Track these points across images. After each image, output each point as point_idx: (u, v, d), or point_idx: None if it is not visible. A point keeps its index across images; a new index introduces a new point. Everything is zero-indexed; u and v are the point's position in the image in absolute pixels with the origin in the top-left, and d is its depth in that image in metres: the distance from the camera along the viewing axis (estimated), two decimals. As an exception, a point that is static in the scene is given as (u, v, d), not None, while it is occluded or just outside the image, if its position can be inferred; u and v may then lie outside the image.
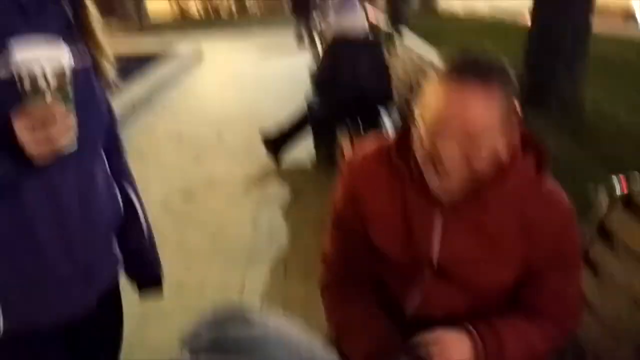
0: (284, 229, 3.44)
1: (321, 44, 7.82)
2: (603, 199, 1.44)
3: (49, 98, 0.90)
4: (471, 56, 1.00)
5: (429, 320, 1.12)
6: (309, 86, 6.87)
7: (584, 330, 1.36)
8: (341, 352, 1.09)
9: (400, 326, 1.17)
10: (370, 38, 4.12)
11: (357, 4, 4.11)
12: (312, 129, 4.32)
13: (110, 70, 1.13)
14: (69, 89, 0.93)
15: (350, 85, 3.84)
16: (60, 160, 0.99)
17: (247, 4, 16.53)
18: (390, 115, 4.04)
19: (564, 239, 1.08)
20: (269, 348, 0.60)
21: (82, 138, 0.99)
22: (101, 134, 1.15)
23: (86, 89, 1.06)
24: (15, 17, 0.95)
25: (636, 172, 1.43)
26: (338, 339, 1.20)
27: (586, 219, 1.48)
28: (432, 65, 0.90)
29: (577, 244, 1.15)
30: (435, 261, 1.10)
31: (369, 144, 1.20)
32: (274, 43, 11.11)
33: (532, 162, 1.04)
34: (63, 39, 1.01)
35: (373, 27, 5.12)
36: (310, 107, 4.25)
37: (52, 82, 0.90)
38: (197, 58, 9.79)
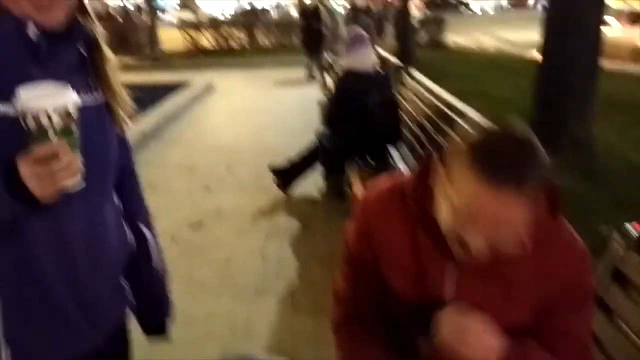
0: (292, 262, 3.43)
1: (331, 78, 7.94)
2: (617, 243, 1.44)
3: (53, 137, 0.90)
4: (504, 146, 0.95)
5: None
6: (318, 119, 6.97)
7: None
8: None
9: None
10: (380, 74, 4.18)
11: (368, 40, 4.18)
12: (322, 162, 4.35)
13: (123, 109, 1.13)
14: (75, 128, 0.93)
15: (360, 120, 3.89)
16: (68, 200, 0.98)
17: (259, 37, 16.81)
18: (398, 150, 4.06)
19: (578, 282, 1.08)
20: None
21: (91, 176, 0.98)
22: (112, 172, 1.14)
23: (97, 127, 1.06)
24: (29, 62, 0.96)
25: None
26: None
27: (600, 260, 1.48)
28: (458, 137, 0.87)
29: (591, 286, 1.14)
30: (448, 304, 1.10)
31: (383, 182, 1.21)
32: (285, 76, 11.27)
33: (546, 205, 1.03)
34: (75, 77, 1.02)
35: (382, 63, 5.20)
36: (319, 140, 4.29)
37: (57, 121, 0.90)
38: (209, 90, 9.93)
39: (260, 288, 3.13)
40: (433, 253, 1.09)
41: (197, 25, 17.34)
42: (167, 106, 7.87)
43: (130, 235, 1.21)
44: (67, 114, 0.91)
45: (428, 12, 22.95)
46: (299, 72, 11.15)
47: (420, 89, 4.25)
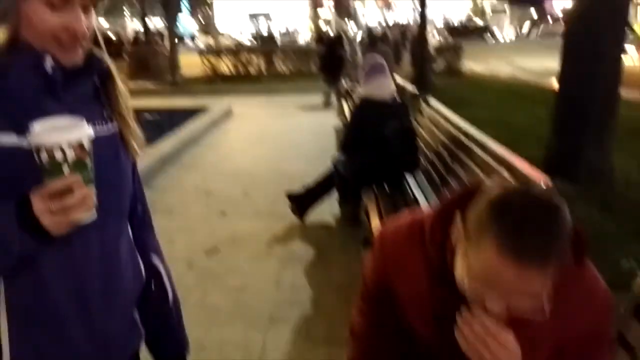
0: (307, 290, 3.41)
1: (348, 104, 8.00)
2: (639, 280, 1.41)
3: (66, 170, 0.89)
4: (528, 216, 0.89)
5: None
6: (334, 145, 7.00)
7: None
8: None
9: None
10: (397, 102, 4.20)
11: (386, 69, 4.21)
12: (337, 188, 4.36)
13: (135, 138, 1.13)
14: (89, 160, 0.92)
15: (376, 147, 3.90)
16: (84, 231, 0.97)
17: (276, 63, 17.03)
18: (415, 178, 4.05)
19: (598, 330, 1.06)
20: None
21: (106, 207, 0.98)
22: (126, 204, 1.14)
23: (111, 158, 1.06)
24: (45, 95, 0.97)
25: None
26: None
27: (620, 295, 1.45)
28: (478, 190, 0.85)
29: (611, 334, 1.12)
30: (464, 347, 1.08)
31: (402, 219, 1.20)
32: (302, 102, 11.37)
33: (570, 251, 0.98)
34: (89, 108, 1.03)
35: (400, 90, 5.23)
36: (336, 166, 4.30)
37: (71, 156, 0.89)
38: (227, 114, 10.05)
39: (275, 316, 3.11)
40: (450, 299, 1.06)
41: (217, 52, 17.64)
42: (186, 131, 7.96)
43: (142, 267, 1.20)
44: (82, 148, 0.91)
45: (450, 39, 23.11)
46: (316, 98, 11.25)
47: (437, 116, 4.26)
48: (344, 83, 10.43)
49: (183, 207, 5.06)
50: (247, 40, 31.68)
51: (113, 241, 1.09)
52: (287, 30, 39.82)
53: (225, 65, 16.62)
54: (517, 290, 0.90)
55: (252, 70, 16.62)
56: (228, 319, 3.09)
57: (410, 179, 4.07)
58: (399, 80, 6.92)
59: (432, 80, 11.64)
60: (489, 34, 41.44)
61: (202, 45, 29.09)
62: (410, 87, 6.20)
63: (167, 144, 7.02)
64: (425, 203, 3.60)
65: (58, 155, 0.89)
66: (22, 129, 0.92)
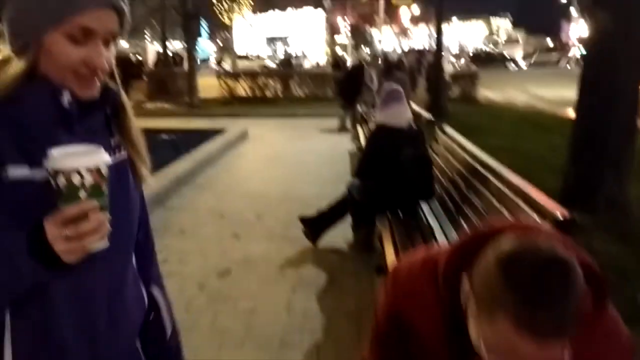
0: (318, 316, 3.38)
1: (363, 129, 8.03)
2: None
3: (83, 195, 0.88)
4: (541, 281, 0.85)
5: None
6: (348, 170, 7.02)
7: None
8: None
9: None
10: (413, 129, 4.21)
11: (403, 96, 4.24)
12: (351, 213, 4.35)
13: (144, 166, 1.13)
14: (105, 187, 0.91)
15: (391, 174, 3.90)
16: (92, 261, 0.95)
17: (292, 86, 17.21)
18: (430, 206, 4.03)
19: None
20: None
21: (115, 237, 0.96)
22: (134, 235, 1.13)
23: (121, 186, 1.06)
24: (59, 129, 0.96)
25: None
26: None
27: (637, 330, 1.42)
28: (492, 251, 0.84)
29: None
30: None
31: (416, 256, 1.18)
32: (317, 125, 11.44)
33: (590, 295, 0.94)
34: (101, 137, 1.02)
35: (415, 118, 5.24)
36: (350, 191, 4.30)
37: (89, 181, 0.88)
38: (242, 136, 10.13)
39: (285, 341, 3.08)
40: (464, 343, 1.03)
41: (234, 75, 17.88)
42: (201, 152, 8.03)
43: (145, 296, 1.19)
44: (99, 174, 0.90)
45: (473, 67, 23.17)
46: (331, 122, 11.31)
47: (453, 144, 4.26)
48: (360, 108, 10.49)
49: (196, 228, 5.08)
50: (270, 63, 32.07)
51: (120, 273, 1.08)
52: (295, 54, 40.31)
53: (243, 88, 16.82)
54: (537, 358, 0.86)
55: (269, 93, 16.80)
56: (238, 342, 3.07)
57: (425, 207, 4.05)
58: (415, 106, 6.94)
59: (447, 107, 11.66)
60: (511, 62, 41.55)
61: (227, 67, 29.53)
62: (425, 114, 6.21)
63: (183, 164, 7.09)
64: (440, 231, 3.57)
65: (76, 180, 0.88)
66: (34, 161, 0.91)
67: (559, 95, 16.28)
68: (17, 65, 0.94)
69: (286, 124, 12.12)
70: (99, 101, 1.01)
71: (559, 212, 2.20)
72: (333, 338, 3.11)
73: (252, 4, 38.12)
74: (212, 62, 40.87)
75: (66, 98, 0.96)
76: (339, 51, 38.24)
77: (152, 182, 1.16)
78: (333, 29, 45.12)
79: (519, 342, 0.85)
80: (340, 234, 4.54)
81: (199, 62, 20.46)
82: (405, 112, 4.18)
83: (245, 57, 37.70)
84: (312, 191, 6.11)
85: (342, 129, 10.97)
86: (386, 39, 45.76)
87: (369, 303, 3.35)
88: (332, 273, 4.01)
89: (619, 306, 1.08)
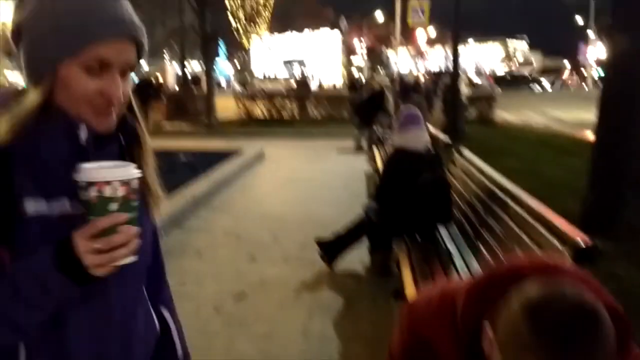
0: (335, 341, 3.34)
1: (379, 151, 8.02)
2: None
3: (113, 208, 0.88)
4: (569, 335, 0.83)
5: None
6: (365, 191, 7.00)
7: None
8: None
9: None
10: (431, 152, 4.20)
11: (422, 119, 4.23)
12: (368, 236, 4.32)
13: (155, 196, 1.12)
14: (135, 199, 0.91)
15: (409, 198, 3.87)
16: (107, 290, 0.96)
17: (309, 108, 17.31)
18: (448, 230, 3.99)
19: None
20: None
21: (130, 267, 0.94)
22: (148, 261, 1.13)
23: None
24: (75, 163, 0.94)
25: None
26: None
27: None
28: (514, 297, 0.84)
29: None
30: None
31: (433, 291, 1.16)
32: (332, 146, 11.47)
33: (615, 336, 0.92)
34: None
35: (433, 140, 5.23)
36: (367, 214, 4.28)
37: (120, 191, 0.88)
38: (259, 157, 10.18)
39: (301, 366, 3.05)
40: None
41: (252, 96, 18.06)
42: (218, 173, 8.08)
43: (156, 320, 1.18)
44: (131, 188, 0.90)
45: (498, 89, 23.17)
46: (347, 143, 11.33)
47: (471, 167, 4.22)
48: (376, 130, 10.50)
49: (212, 250, 5.08)
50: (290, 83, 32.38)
51: (134, 297, 1.08)
52: (312, 75, 40.62)
53: (260, 109, 16.97)
54: None
55: (285, 114, 16.92)
56: (254, 368, 3.04)
57: (442, 231, 4.01)
58: (432, 129, 6.93)
59: (464, 129, 11.62)
60: (536, 84, 41.49)
61: (255, 86, 29.82)
62: (443, 137, 6.19)
63: (200, 185, 7.13)
64: (458, 256, 3.53)
65: (107, 192, 0.87)
66: (50, 195, 0.92)
67: (577, 117, 16.16)
68: (32, 96, 0.93)
69: (302, 145, 12.16)
70: (114, 132, 1.00)
71: (580, 238, 2.16)
72: (349, 364, 3.07)
73: (269, 25, 38.66)
74: (234, 83, 41.36)
75: (83, 133, 0.95)
76: (355, 73, 38.46)
77: (157, 216, 1.15)
78: (349, 51, 45.51)
79: None
80: (357, 257, 4.51)
81: (223, 85, 20.60)
82: (424, 135, 4.17)
83: (267, 79, 38.08)
84: (328, 212, 6.09)
85: (358, 148, 10.99)
86: (402, 61, 46.02)
87: (385, 328, 3.29)
88: (348, 297, 3.97)
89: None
